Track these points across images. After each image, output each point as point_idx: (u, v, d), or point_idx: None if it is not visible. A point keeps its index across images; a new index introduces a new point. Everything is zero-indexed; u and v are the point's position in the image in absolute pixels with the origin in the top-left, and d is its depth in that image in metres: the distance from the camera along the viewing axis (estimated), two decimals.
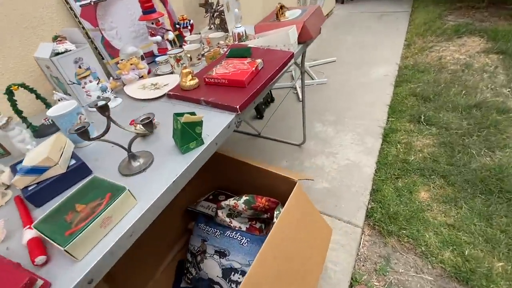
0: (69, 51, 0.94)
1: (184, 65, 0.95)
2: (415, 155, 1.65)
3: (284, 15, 1.31)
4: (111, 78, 1.06)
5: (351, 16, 4.28)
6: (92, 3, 1.07)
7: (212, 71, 0.96)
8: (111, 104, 0.96)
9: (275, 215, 0.97)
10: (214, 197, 1.31)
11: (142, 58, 1.16)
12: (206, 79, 0.94)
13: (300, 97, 2.42)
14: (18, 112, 0.84)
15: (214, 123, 0.78)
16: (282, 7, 1.28)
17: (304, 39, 1.24)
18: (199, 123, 0.66)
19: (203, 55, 1.22)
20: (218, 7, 1.49)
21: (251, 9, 2.33)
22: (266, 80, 0.91)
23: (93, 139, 0.61)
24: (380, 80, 2.50)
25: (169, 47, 1.25)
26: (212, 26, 1.56)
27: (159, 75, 1.14)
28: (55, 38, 0.94)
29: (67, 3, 1.01)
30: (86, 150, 0.78)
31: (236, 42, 1.24)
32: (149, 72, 1.18)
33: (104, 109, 0.58)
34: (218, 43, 1.28)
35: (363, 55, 3.02)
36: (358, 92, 2.38)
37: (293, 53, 1.06)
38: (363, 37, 3.48)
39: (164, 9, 1.36)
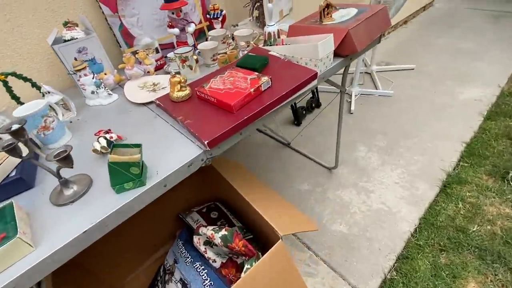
0: (75, 39, 0.91)
1: (173, 73, 0.80)
2: (480, 226, 1.21)
3: (330, 16, 1.02)
4: (115, 71, 1.00)
5: (456, 13, 3.40)
6: None
7: (209, 82, 0.80)
8: (104, 101, 0.91)
9: (244, 268, 0.80)
10: (207, 211, 1.20)
11: (157, 50, 1.07)
12: (197, 92, 0.79)
13: (353, 108, 2.05)
14: (16, 98, 0.85)
15: (176, 156, 0.64)
16: (328, 5, 1.00)
17: (347, 52, 0.95)
18: (135, 164, 0.53)
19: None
20: None
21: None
22: (261, 109, 0.71)
23: (23, 159, 0.54)
24: (467, 105, 1.92)
25: (189, 40, 1.12)
26: (251, 18, 1.36)
27: (168, 73, 1.04)
28: (65, 24, 0.91)
29: None
30: None
31: (261, 46, 1.03)
32: (161, 67, 1.08)
33: (17, 134, 0.50)
34: (245, 43, 1.10)
35: (453, 66, 2.37)
36: (429, 115, 1.88)
37: (316, 73, 0.81)
38: (463, 42, 2.73)
39: None
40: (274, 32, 1.07)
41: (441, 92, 2.09)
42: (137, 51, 1.00)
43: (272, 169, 1.66)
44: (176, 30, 1.07)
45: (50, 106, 0.76)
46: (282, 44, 0.99)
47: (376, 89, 2.23)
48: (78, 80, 0.87)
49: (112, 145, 0.55)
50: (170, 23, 1.06)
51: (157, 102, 0.82)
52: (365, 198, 1.42)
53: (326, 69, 0.91)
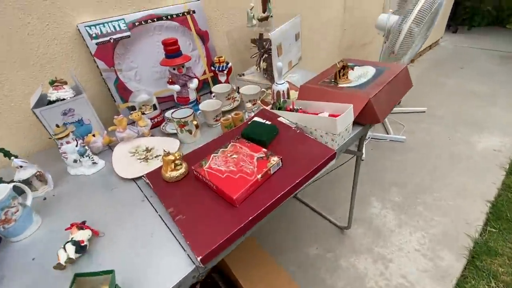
0: (61, 100, 0.81)
1: (165, 153, 0.68)
2: None
3: (346, 77, 0.93)
4: (105, 132, 0.90)
5: (463, 52, 3.39)
6: (112, 41, 0.93)
7: (209, 159, 0.69)
8: (88, 171, 0.79)
9: None
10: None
11: (155, 107, 0.97)
12: (195, 171, 0.67)
13: (363, 154, 1.93)
14: None
15: (161, 272, 0.50)
16: (344, 67, 0.91)
17: (367, 121, 0.84)
18: None
19: (224, 113, 0.96)
20: (268, 46, 1.21)
21: (322, 47, 1.96)
22: (271, 204, 0.58)
23: None
24: (486, 156, 1.80)
25: (191, 96, 1.03)
26: (258, 68, 1.28)
27: (165, 133, 0.93)
28: (52, 83, 0.82)
29: (84, 39, 0.89)
30: (19, 247, 0.60)
31: (269, 108, 0.93)
32: (158, 124, 0.98)
33: None
34: (251, 103, 1.00)
35: (466, 110, 2.28)
36: (447, 166, 1.75)
37: (335, 153, 0.69)
38: (473, 84, 2.66)
39: (202, 47, 1.15)
40: (283, 91, 0.98)
41: (457, 140, 1.97)
42: (132, 108, 0.91)
43: (277, 228, 1.50)
44: (177, 87, 0.98)
45: (17, 186, 0.64)
46: (293, 107, 0.88)
47: (387, 133, 2.12)
48: (59, 148, 0.76)
49: (73, 277, 0.42)
50: (170, 79, 0.97)
51: (146, 180, 0.70)
52: (383, 268, 1.24)
53: (344, 142, 0.79)
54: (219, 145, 0.75)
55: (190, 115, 0.82)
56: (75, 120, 0.83)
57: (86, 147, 0.78)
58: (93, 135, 0.87)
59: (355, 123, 0.83)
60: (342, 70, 0.91)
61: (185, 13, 1.07)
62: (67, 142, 0.76)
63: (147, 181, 0.69)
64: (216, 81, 1.18)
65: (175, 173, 0.67)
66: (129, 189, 0.72)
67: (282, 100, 0.92)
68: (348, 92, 0.85)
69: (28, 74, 0.86)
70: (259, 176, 0.61)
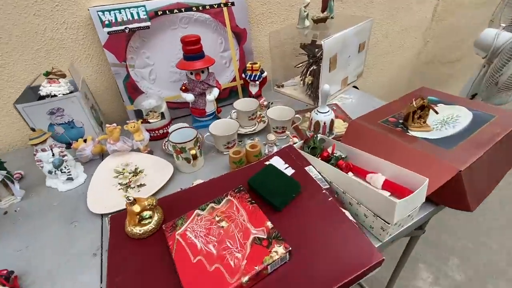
0: (52, 96, 0.69)
1: (129, 200, 0.46)
2: None
3: (424, 121, 0.62)
4: (97, 139, 0.75)
5: None
6: (127, 31, 0.77)
7: (189, 217, 0.48)
8: (61, 187, 0.66)
9: None
10: None
11: (163, 116, 0.80)
12: (167, 230, 0.47)
13: None
14: None
15: None
16: (424, 106, 0.60)
17: (448, 203, 0.54)
18: None
19: (243, 137, 0.74)
20: (320, 55, 0.93)
21: (392, 61, 1.57)
22: None
23: None
24: None
25: (208, 108, 0.83)
26: (302, 82, 1.02)
27: (166, 152, 0.75)
28: (47, 74, 0.70)
29: (94, 26, 0.75)
30: None
31: (298, 145, 0.67)
32: (164, 135, 0.81)
33: None
34: (277, 129, 0.76)
35: None
36: None
37: (383, 259, 0.42)
38: None
39: (236, 48, 0.94)
40: (325, 123, 0.72)
41: None
42: (138, 113, 0.75)
43: None
44: (190, 97, 0.79)
45: None
46: (332, 153, 0.62)
47: None
48: (34, 155, 0.64)
49: None
50: (184, 85, 0.78)
51: (108, 225, 0.53)
52: None
53: (400, 231, 0.51)
54: (220, 187, 0.55)
55: (190, 141, 0.63)
56: (64, 122, 0.71)
57: (64, 158, 0.65)
58: (85, 141, 0.74)
59: (427, 199, 0.53)
60: (419, 110, 0.61)
61: (222, 5, 0.86)
62: (43, 150, 0.63)
63: (108, 226, 0.52)
64: (245, 91, 0.97)
65: (138, 229, 0.48)
66: (91, 229, 0.56)
67: (319, 137, 0.66)
68: (423, 149, 0.55)
69: (31, 60, 0.77)
70: (244, 279, 0.39)
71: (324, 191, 0.53)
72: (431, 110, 0.61)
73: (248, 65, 0.89)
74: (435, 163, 0.51)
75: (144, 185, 0.63)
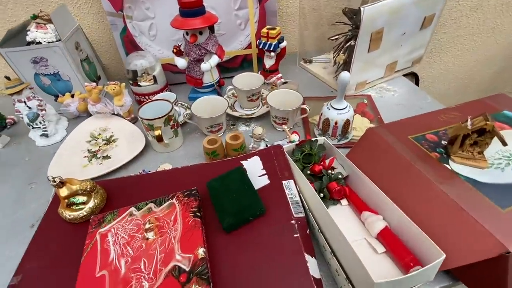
0: (37, 43, 0.63)
1: (56, 182, 0.37)
2: None
3: (480, 153, 0.41)
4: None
5: None
6: None
7: (120, 214, 0.40)
8: (38, 141, 0.64)
9: None
10: None
11: (155, 80, 0.71)
12: (92, 224, 0.41)
13: None
14: None
15: None
16: (485, 130, 0.39)
17: (471, 285, 0.36)
18: None
19: (236, 120, 0.60)
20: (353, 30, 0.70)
21: (468, 47, 1.16)
22: None
23: None
24: None
25: (206, 78, 0.70)
26: (334, 59, 0.80)
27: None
28: (34, 18, 0.64)
29: None
30: None
31: (287, 145, 0.52)
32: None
33: None
34: (277, 119, 0.60)
35: None
36: None
37: None
38: None
39: (256, 6, 0.75)
40: (337, 123, 0.54)
41: None
42: (133, 74, 0.67)
43: None
44: (181, 62, 0.66)
45: None
46: (327, 167, 0.46)
47: None
48: (14, 104, 0.61)
49: None
50: (177, 47, 0.66)
51: (51, 197, 0.48)
52: None
53: None
54: (178, 181, 0.46)
55: (158, 118, 0.52)
56: (49, 73, 0.66)
57: (42, 113, 0.62)
58: (72, 96, 0.69)
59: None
60: (474, 135, 0.40)
61: None
62: (19, 101, 0.60)
63: (50, 198, 0.48)
64: (260, 62, 0.80)
65: (68, 214, 0.42)
66: (42, 195, 0.52)
67: (319, 141, 0.50)
68: (460, 198, 0.36)
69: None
70: None
71: (293, 221, 0.39)
72: (495, 137, 0.39)
73: (264, 30, 0.71)
74: (472, 228, 0.33)
75: (109, 157, 0.57)
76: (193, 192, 0.42)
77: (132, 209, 0.41)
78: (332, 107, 0.54)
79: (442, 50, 1.16)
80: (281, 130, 0.63)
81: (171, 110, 0.54)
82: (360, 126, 0.62)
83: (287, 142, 0.56)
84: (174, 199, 0.42)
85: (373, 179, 0.41)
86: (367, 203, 0.42)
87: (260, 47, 0.73)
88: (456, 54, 1.20)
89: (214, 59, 0.66)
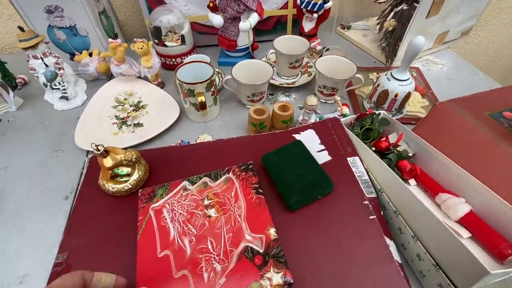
0: None
1: (99, 151, 0.32)
2: None
3: None
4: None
5: None
6: None
7: (173, 189, 0.36)
8: (57, 105, 0.57)
9: None
10: None
11: (183, 40, 0.63)
12: (142, 199, 0.36)
13: None
14: None
15: None
16: None
17: None
18: None
19: (276, 89, 0.55)
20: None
21: None
22: None
23: None
24: None
25: (241, 40, 0.63)
26: (378, 27, 0.73)
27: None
28: None
29: None
30: None
31: (346, 121, 0.47)
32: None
33: None
34: (325, 89, 0.54)
35: None
36: None
37: None
38: None
39: None
40: (396, 96, 0.49)
41: None
42: (156, 31, 0.59)
43: None
44: (218, 19, 0.58)
45: None
46: (394, 145, 0.42)
47: None
48: (27, 60, 0.53)
49: None
50: (213, 2, 0.57)
51: (84, 169, 0.43)
52: None
53: None
54: (227, 154, 0.41)
55: (200, 83, 0.46)
56: (65, 26, 0.57)
57: (60, 72, 0.54)
58: (90, 54, 0.62)
59: None
60: None
61: None
62: (34, 57, 0.52)
63: (84, 171, 0.43)
64: (297, 24, 0.72)
65: (111, 186, 0.37)
66: (72, 164, 0.47)
67: (382, 115, 0.45)
68: None
69: None
70: None
71: (366, 201, 0.36)
72: None
73: None
74: None
75: (141, 125, 0.52)
76: (250, 167, 0.38)
77: (185, 183, 0.37)
78: (394, 77, 0.49)
79: (479, 23, 1.08)
80: (331, 102, 0.58)
81: (213, 74, 0.48)
82: (413, 101, 0.57)
83: (339, 115, 0.51)
84: (230, 173, 0.38)
85: (442, 152, 0.37)
86: (441, 183, 0.39)
87: (302, 6, 0.65)
88: (493, 28, 1.12)
89: (254, 18, 0.59)
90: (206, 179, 0.37)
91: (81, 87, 0.61)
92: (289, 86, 0.60)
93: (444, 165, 0.38)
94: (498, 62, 1.25)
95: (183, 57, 0.64)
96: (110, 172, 0.37)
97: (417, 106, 0.56)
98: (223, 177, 0.37)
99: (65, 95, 0.56)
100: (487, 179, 0.36)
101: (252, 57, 0.66)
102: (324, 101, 0.58)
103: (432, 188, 0.39)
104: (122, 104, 0.56)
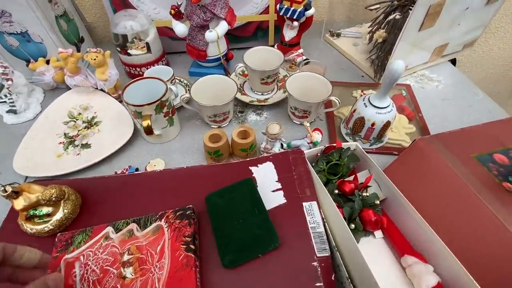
0: None
1: (6, 191, 0.28)
2: None
3: None
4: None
5: None
6: None
7: (94, 236, 0.31)
8: (6, 118, 0.53)
9: None
10: None
11: (148, 48, 0.58)
12: (58, 246, 0.32)
13: None
14: None
15: None
16: None
17: None
18: None
19: (246, 106, 0.49)
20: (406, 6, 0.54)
21: None
22: None
23: None
24: None
25: (210, 50, 0.57)
26: (369, 37, 0.65)
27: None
28: None
29: None
30: None
31: (309, 155, 0.41)
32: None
33: None
34: (296, 111, 0.48)
35: None
36: None
37: None
38: None
39: None
40: (374, 124, 0.43)
41: None
42: (123, 39, 0.54)
43: None
44: (180, 28, 0.52)
45: None
46: (364, 185, 0.36)
47: None
48: None
49: None
50: (175, 8, 0.51)
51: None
52: None
53: None
54: (172, 189, 0.36)
55: (149, 104, 0.41)
56: (16, 31, 0.52)
57: (6, 83, 0.50)
58: (47, 62, 0.57)
59: None
60: None
61: None
62: None
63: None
64: (278, 30, 0.66)
65: (29, 227, 0.33)
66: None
67: (350, 150, 0.39)
68: None
69: None
70: None
71: (315, 262, 0.30)
72: None
73: None
74: None
75: (89, 146, 0.47)
76: (187, 213, 0.33)
77: (109, 229, 0.32)
78: (371, 103, 0.43)
79: (490, 30, 0.98)
80: (299, 123, 0.52)
81: (164, 94, 0.42)
82: (397, 126, 0.51)
83: (308, 143, 0.45)
84: (162, 220, 0.32)
85: (418, 208, 0.31)
86: (410, 238, 0.33)
87: (281, 13, 0.58)
88: (504, 36, 1.02)
89: (223, 27, 0.52)
90: (134, 226, 0.32)
91: (37, 97, 0.57)
92: (261, 103, 0.54)
93: (414, 220, 0.32)
94: (510, 72, 1.15)
95: (148, 67, 0.59)
96: (25, 213, 0.32)
97: (401, 132, 0.50)
98: (153, 225, 0.32)
99: (13, 108, 0.51)
100: (461, 239, 0.30)
101: (225, 68, 0.60)
102: (298, 123, 0.52)
103: (398, 245, 0.33)
104: (74, 119, 0.52)
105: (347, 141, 0.48)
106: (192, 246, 0.30)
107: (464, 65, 1.12)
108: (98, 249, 0.31)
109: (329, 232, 0.32)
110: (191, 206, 0.34)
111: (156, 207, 0.34)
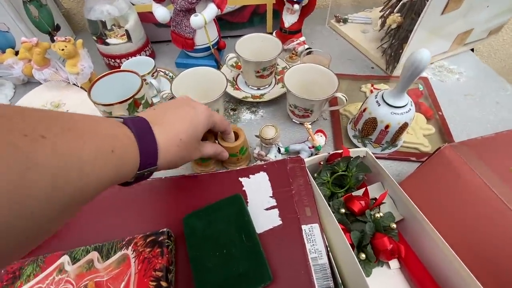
0: None
1: None
2: None
3: None
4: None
5: None
6: None
7: (42, 269, 0.26)
8: None
9: None
10: None
11: (128, 36, 0.51)
12: (4, 279, 0.27)
13: None
14: None
15: None
16: None
17: None
18: None
19: (239, 103, 0.43)
20: None
21: None
22: None
23: None
24: None
25: (198, 38, 0.50)
26: (380, 23, 0.58)
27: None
28: None
29: None
30: None
31: (310, 164, 0.35)
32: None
33: None
34: (296, 109, 0.42)
35: None
36: None
37: None
38: None
39: None
40: (388, 126, 0.37)
41: None
42: (102, 26, 0.47)
43: None
44: (162, 12, 0.45)
45: None
46: (378, 203, 0.29)
47: None
48: None
49: None
50: None
51: None
52: None
53: None
54: (146, 203, 0.30)
55: (120, 102, 0.35)
56: None
57: None
58: (16, 53, 0.50)
59: None
60: None
61: None
62: None
63: None
64: (277, 15, 0.58)
65: None
66: None
67: (358, 160, 0.33)
68: None
69: None
70: None
71: None
72: None
73: None
74: None
75: None
76: (160, 239, 0.27)
77: (65, 259, 0.27)
78: (385, 102, 0.36)
79: None
80: (298, 123, 0.45)
81: (138, 91, 0.36)
82: (414, 126, 0.44)
83: (309, 148, 0.39)
84: (130, 248, 0.27)
85: (443, 233, 0.25)
86: (432, 270, 0.27)
87: None
88: None
89: (211, 11, 0.45)
90: (95, 255, 0.27)
91: (5, 93, 0.50)
92: (256, 100, 0.48)
93: (438, 247, 0.26)
94: None
95: (129, 57, 0.52)
96: None
97: (418, 134, 0.43)
98: (118, 255, 0.26)
99: None
100: (499, 277, 0.24)
101: (216, 59, 0.53)
102: (298, 122, 0.46)
103: (418, 278, 0.27)
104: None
105: (355, 145, 0.42)
106: (163, 284, 0.24)
107: (482, 54, 1.03)
108: (50, 286, 0.25)
109: (333, 264, 0.26)
110: (165, 230, 0.28)
111: (124, 229, 0.29)
